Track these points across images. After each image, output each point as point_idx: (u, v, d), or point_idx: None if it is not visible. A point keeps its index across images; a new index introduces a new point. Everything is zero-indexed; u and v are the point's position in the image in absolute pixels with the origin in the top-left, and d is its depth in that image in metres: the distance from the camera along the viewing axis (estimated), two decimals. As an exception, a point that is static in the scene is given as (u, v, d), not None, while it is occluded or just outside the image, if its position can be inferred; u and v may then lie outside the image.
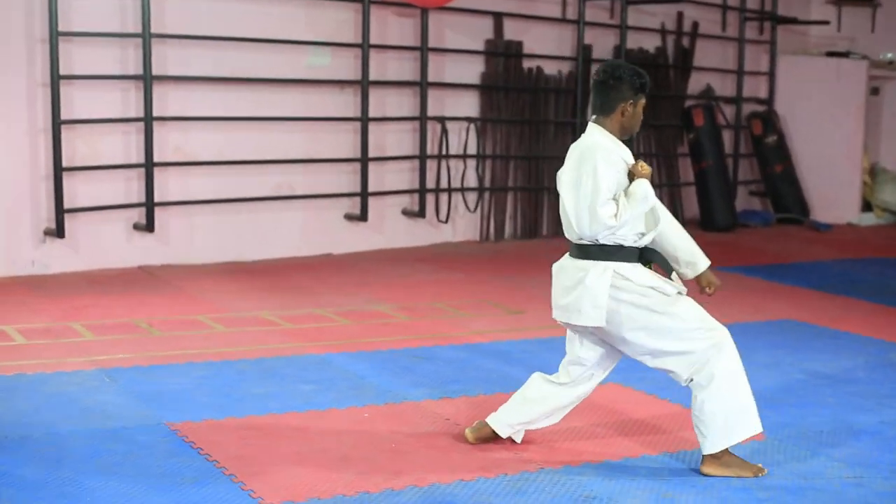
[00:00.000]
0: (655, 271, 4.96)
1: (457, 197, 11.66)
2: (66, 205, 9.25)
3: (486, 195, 11.86)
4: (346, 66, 10.75)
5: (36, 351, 6.84)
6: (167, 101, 9.77)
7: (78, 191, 9.38)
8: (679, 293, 4.91)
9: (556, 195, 5.03)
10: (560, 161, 5.12)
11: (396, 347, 7.14)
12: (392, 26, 11.06)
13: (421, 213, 11.27)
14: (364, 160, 10.78)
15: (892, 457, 5.27)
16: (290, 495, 4.57)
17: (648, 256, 4.95)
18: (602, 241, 4.84)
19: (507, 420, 5.22)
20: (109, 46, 9.45)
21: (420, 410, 5.82)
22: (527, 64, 12.05)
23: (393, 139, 11.21)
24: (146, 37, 9.37)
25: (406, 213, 11.32)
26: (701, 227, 13.26)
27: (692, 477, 4.92)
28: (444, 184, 11.53)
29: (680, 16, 13.50)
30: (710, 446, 4.91)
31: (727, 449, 4.93)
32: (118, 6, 9.44)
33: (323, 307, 8.34)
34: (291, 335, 7.43)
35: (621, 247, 4.86)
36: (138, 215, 9.70)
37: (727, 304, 8.88)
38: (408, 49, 11.11)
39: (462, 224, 11.83)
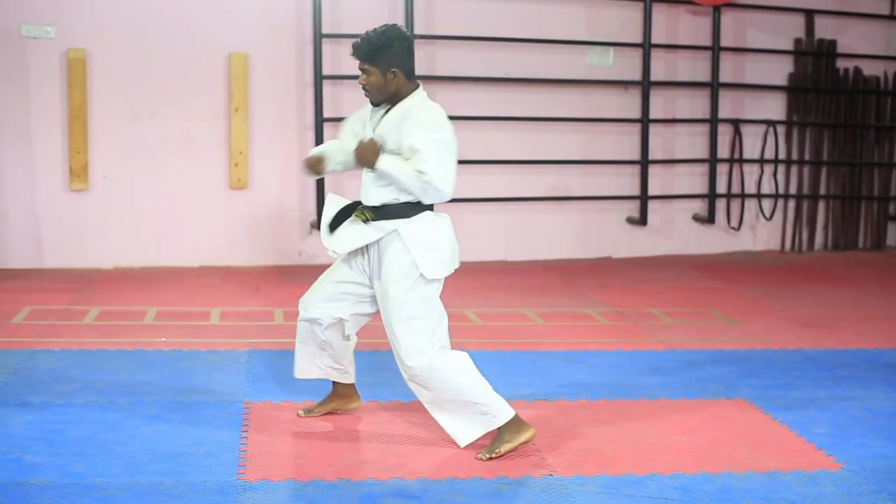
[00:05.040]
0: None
1: (752, 203, 11.10)
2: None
3: (789, 202, 11.19)
4: (630, 66, 10.55)
5: (218, 331, 7.31)
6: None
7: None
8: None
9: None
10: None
11: (553, 350, 6.96)
12: (684, 25, 10.72)
13: (710, 219, 10.84)
14: (644, 163, 10.51)
15: None
16: (271, 475, 4.66)
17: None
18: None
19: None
20: (379, 48, 9.84)
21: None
22: (841, 64, 11.25)
23: (683, 142, 10.85)
24: (407, 38, 9.68)
25: (697, 218, 10.93)
26: None
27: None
28: (736, 189, 11.01)
29: None
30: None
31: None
32: (388, 8, 9.81)
33: (533, 307, 8.26)
34: (470, 331, 7.43)
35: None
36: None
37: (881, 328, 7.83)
38: (700, 49, 10.72)
39: (764, 232, 11.23)
